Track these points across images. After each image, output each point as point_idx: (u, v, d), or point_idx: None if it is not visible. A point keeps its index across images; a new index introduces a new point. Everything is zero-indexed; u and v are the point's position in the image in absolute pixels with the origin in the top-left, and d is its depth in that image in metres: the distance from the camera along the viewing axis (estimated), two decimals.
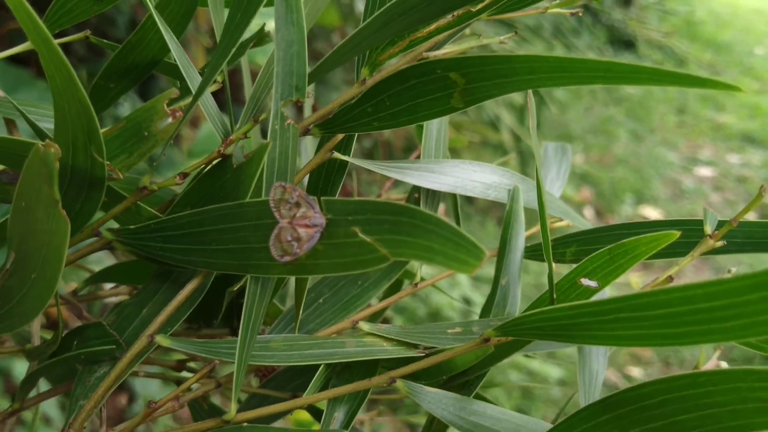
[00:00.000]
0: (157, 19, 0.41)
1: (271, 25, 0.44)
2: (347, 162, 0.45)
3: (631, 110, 4.25)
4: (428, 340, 0.43)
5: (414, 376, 0.41)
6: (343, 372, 0.43)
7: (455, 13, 0.42)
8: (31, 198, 0.33)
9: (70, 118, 0.35)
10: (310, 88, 0.43)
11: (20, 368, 1.39)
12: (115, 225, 0.43)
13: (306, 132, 0.44)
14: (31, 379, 0.45)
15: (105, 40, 0.51)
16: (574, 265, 0.42)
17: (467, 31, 0.47)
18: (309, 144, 0.66)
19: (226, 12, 0.41)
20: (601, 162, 3.62)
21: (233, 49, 0.38)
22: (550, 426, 0.38)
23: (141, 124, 0.44)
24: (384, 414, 0.72)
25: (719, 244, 0.41)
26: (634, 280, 2.45)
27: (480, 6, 0.41)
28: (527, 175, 0.52)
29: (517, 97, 2.68)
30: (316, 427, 0.46)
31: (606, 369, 0.47)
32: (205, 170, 0.43)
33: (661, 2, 5.45)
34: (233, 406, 0.38)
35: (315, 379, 0.41)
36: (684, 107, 4.35)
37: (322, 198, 0.36)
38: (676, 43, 4.71)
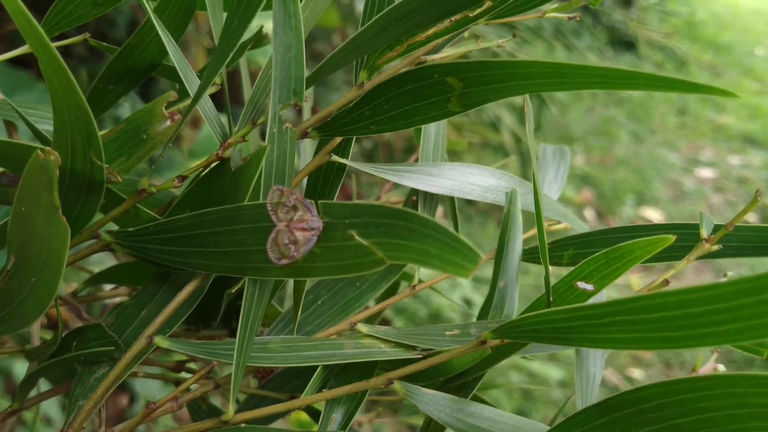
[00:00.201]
0: (155, 22, 0.41)
1: (269, 27, 0.44)
2: (345, 165, 0.45)
3: (632, 111, 4.25)
4: (426, 342, 0.43)
5: (411, 378, 0.41)
6: (341, 373, 0.43)
7: (453, 18, 0.42)
8: (31, 204, 0.33)
9: (69, 122, 0.35)
10: (308, 92, 0.43)
11: (20, 368, 1.39)
12: (115, 227, 0.43)
13: (304, 135, 0.44)
14: (30, 380, 0.45)
15: (104, 43, 0.51)
16: (572, 268, 0.43)
17: (466, 34, 0.47)
18: (307, 147, 0.66)
19: (225, 15, 0.41)
20: (602, 163, 3.62)
21: (231, 54, 0.38)
22: (547, 428, 0.39)
23: (140, 126, 0.44)
24: (383, 415, 0.72)
25: (715, 248, 0.41)
26: (635, 281, 2.45)
27: (478, 11, 0.41)
28: (527, 177, 0.52)
29: (518, 98, 2.68)
30: (315, 428, 0.46)
31: (604, 370, 0.47)
32: (204, 173, 0.43)
33: (662, 3, 5.45)
34: (231, 407, 0.38)
35: (313, 380, 0.41)
36: (685, 108, 4.35)
37: (319, 201, 0.36)
38: (677, 44, 4.71)
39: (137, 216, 0.43)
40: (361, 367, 0.43)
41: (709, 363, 0.46)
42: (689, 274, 2.57)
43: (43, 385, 0.51)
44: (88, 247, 0.42)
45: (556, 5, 0.45)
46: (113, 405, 1.58)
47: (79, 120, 0.35)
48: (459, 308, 2.24)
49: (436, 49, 0.44)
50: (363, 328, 0.45)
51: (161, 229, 0.40)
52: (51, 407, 1.36)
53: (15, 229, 0.36)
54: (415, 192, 0.50)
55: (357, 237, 0.34)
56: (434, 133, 0.52)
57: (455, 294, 2.32)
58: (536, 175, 0.40)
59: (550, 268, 0.42)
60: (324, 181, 0.46)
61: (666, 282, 0.40)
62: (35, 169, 0.32)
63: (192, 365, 0.53)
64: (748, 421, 0.31)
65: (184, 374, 0.53)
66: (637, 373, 2.30)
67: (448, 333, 0.44)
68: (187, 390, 0.42)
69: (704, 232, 0.41)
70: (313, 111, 0.49)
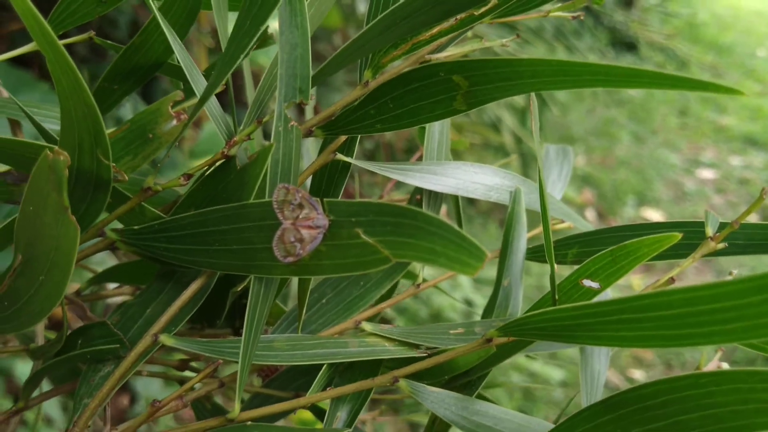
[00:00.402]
0: (160, 21, 0.41)
1: (274, 27, 0.44)
2: (350, 164, 0.45)
3: (633, 112, 4.26)
4: (431, 340, 0.43)
5: (416, 376, 0.41)
6: (345, 372, 0.43)
7: (458, 16, 0.42)
8: (39, 203, 0.33)
9: (77, 121, 0.35)
10: (312, 91, 0.43)
11: (21, 369, 1.40)
12: (120, 226, 0.43)
13: (309, 134, 0.44)
14: (35, 379, 0.45)
15: (109, 41, 0.51)
16: (576, 267, 0.43)
17: (469, 33, 0.47)
18: (311, 146, 0.66)
19: (230, 15, 0.41)
20: (603, 164, 3.62)
21: (242, 56, 0.38)
22: (552, 426, 0.39)
23: (145, 126, 0.44)
24: (386, 414, 0.72)
25: (720, 246, 0.41)
26: (636, 282, 2.45)
27: (482, 10, 0.41)
28: (528, 177, 0.52)
29: (518, 98, 2.69)
30: (320, 426, 0.46)
31: (608, 370, 0.47)
32: (209, 171, 0.43)
33: (663, 4, 5.45)
34: (237, 405, 0.38)
35: (318, 379, 0.41)
36: (686, 109, 4.35)
37: (325, 199, 0.36)
38: (678, 45, 4.71)
39: (142, 215, 0.43)
40: (365, 365, 0.43)
41: (713, 362, 0.46)
42: (690, 274, 2.56)
43: (45, 387, 0.51)
44: (94, 245, 0.42)
45: (559, 5, 0.46)
46: (114, 405, 1.58)
47: (87, 118, 0.35)
48: (460, 308, 2.24)
49: (440, 49, 0.44)
50: (367, 326, 0.45)
51: (166, 227, 0.40)
52: (52, 408, 1.36)
53: (22, 228, 0.36)
54: (419, 191, 0.50)
55: (363, 235, 0.34)
56: (438, 132, 0.52)
57: (456, 294, 2.32)
58: (542, 172, 0.40)
59: (555, 266, 0.42)
60: (329, 180, 0.46)
61: (671, 280, 0.40)
62: (44, 168, 0.32)
63: (195, 364, 0.53)
64: (754, 416, 0.31)
65: (187, 373, 0.53)
66: (639, 374, 2.30)
67: (452, 332, 0.44)
68: (192, 389, 0.42)
69: (710, 230, 0.41)
70: (315, 111, 0.49)
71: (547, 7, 0.45)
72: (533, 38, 3.08)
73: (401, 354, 0.42)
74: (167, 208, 0.45)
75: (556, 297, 0.41)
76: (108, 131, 0.37)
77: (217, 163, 0.43)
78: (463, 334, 0.43)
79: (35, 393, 0.48)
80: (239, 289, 0.45)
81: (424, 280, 0.52)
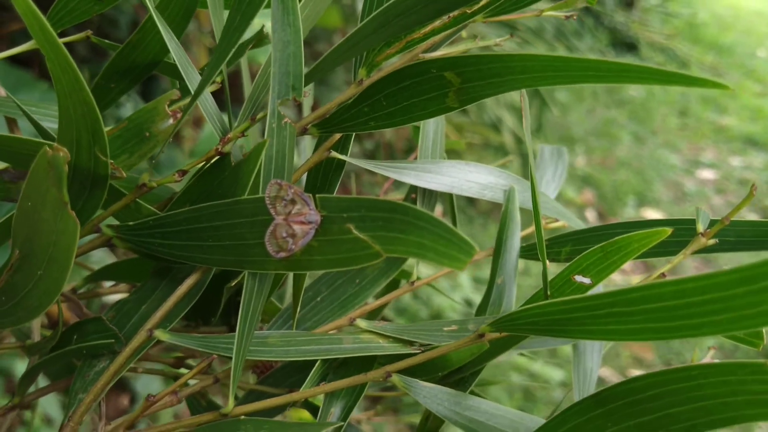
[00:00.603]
0: (156, 19, 0.42)
1: (269, 26, 0.45)
2: (344, 161, 0.45)
3: (633, 112, 4.26)
4: (424, 337, 0.43)
5: (410, 372, 0.41)
6: (339, 368, 0.43)
7: (451, 14, 0.42)
8: (38, 199, 0.34)
9: (75, 119, 0.36)
10: (308, 88, 0.43)
11: (21, 368, 1.40)
12: (116, 222, 0.43)
13: (304, 131, 0.44)
14: (30, 374, 0.45)
15: (106, 41, 0.52)
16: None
17: (464, 33, 0.47)
18: (307, 144, 0.67)
19: (226, 13, 0.42)
20: (603, 164, 3.62)
21: (232, 51, 0.39)
22: (543, 421, 0.39)
23: (142, 125, 0.44)
24: (384, 414, 0.72)
25: (711, 242, 0.41)
26: (636, 281, 2.44)
27: (475, 8, 0.42)
28: (528, 176, 0.52)
29: (518, 98, 2.69)
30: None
31: (606, 371, 0.48)
32: (204, 168, 0.43)
33: (664, 5, 5.45)
34: (231, 399, 0.39)
35: (312, 375, 0.41)
36: (686, 110, 4.35)
37: (317, 195, 0.36)
38: (679, 46, 4.71)
39: (138, 211, 0.44)
40: (359, 362, 0.43)
41: (706, 359, 0.46)
42: (690, 272, 2.56)
43: (42, 384, 0.51)
44: (90, 242, 0.43)
45: (553, 4, 0.46)
46: (114, 405, 1.58)
47: (85, 116, 0.35)
48: (460, 309, 2.25)
49: (434, 47, 0.45)
50: (362, 323, 0.46)
51: (161, 223, 0.40)
52: (52, 407, 1.36)
53: (20, 223, 0.36)
54: (414, 190, 0.51)
55: (354, 230, 0.35)
56: (433, 131, 0.52)
57: (456, 295, 2.32)
58: (533, 170, 0.41)
59: (548, 264, 0.43)
60: (323, 178, 0.46)
61: (663, 276, 0.41)
62: (43, 164, 0.32)
63: (192, 362, 0.54)
64: (743, 408, 0.31)
65: (183, 371, 0.53)
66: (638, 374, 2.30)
67: (446, 329, 0.44)
68: (186, 384, 0.42)
69: (700, 227, 0.41)
70: (314, 110, 0.49)
71: (542, 6, 0.45)
72: (534, 38, 3.08)
73: (395, 350, 0.42)
74: (163, 204, 0.45)
75: (549, 293, 0.41)
76: (106, 129, 0.37)
77: (212, 160, 0.43)
78: (457, 331, 0.43)
79: (31, 389, 0.48)
80: (233, 284, 0.45)
81: (419, 278, 0.52)
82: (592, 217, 3.15)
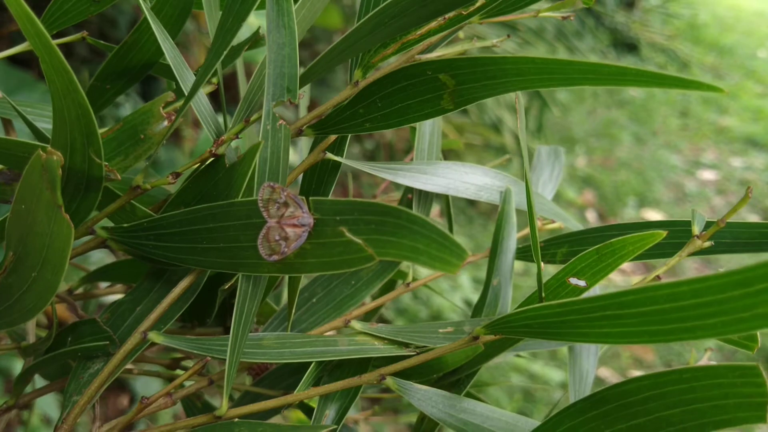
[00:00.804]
0: (151, 20, 0.42)
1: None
2: (340, 163, 0.45)
3: (634, 113, 4.26)
4: (419, 339, 0.43)
5: (405, 375, 0.41)
6: (334, 371, 0.43)
7: (447, 16, 0.42)
8: (32, 201, 0.34)
9: (69, 121, 0.36)
10: (303, 90, 0.43)
11: (20, 368, 1.40)
12: (110, 224, 0.43)
13: (299, 133, 0.44)
14: (26, 375, 0.45)
15: (102, 42, 0.52)
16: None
17: (461, 34, 0.47)
18: (304, 146, 0.67)
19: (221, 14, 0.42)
20: (604, 165, 3.62)
21: (225, 52, 0.39)
22: (539, 424, 0.39)
23: (137, 127, 0.44)
24: (381, 414, 0.72)
25: (707, 244, 0.41)
26: (635, 283, 2.44)
27: (470, 9, 0.41)
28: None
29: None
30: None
31: (606, 372, 0.48)
32: (198, 170, 0.43)
33: (665, 5, 5.45)
34: (225, 401, 0.38)
35: (306, 376, 0.41)
36: (687, 110, 4.35)
37: (310, 198, 0.36)
38: (679, 46, 4.71)
39: (133, 213, 0.44)
40: (354, 364, 0.43)
41: (703, 361, 0.46)
42: (689, 274, 2.56)
43: (39, 385, 0.51)
44: (84, 243, 0.43)
45: (551, 5, 0.46)
46: (114, 405, 1.58)
47: (80, 118, 0.35)
48: (460, 310, 2.25)
49: (431, 49, 0.45)
50: (357, 325, 0.46)
51: (155, 225, 0.40)
52: (50, 407, 1.36)
53: (14, 226, 0.36)
54: (410, 191, 0.51)
55: (347, 233, 0.35)
56: (429, 132, 0.52)
57: (456, 295, 2.32)
58: (528, 171, 0.41)
59: (543, 265, 0.43)
60: (318, 179, 0.46)
61: (658, 278, 0.41)
62: (37, 167, 0.32)
63: (188, 363, 0.54)
64: (734, 411, 0.32)
65: (179, 372, 0.53)
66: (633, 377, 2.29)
67: (441, 331, 0.44)
68: (182, 386, 0.42)
69: (696, 229, 0.41)
70: (312, 110, 0.49)
71: (537, 6, 0.45)
72: (534, 39, 3.08)
73: (390, 352, 0.42)
74: (158, 206, 0.45)
75: (543, 295, 0.41)
76: (100, 131, 0.37)
77: (207, 162, 0.43)
78: (452, 333, 0.43)
79: (28, 389, 0.48)
80: (227, 286, 0.45)
81: (415, 279, 0.52)
82: (592, 218, 3.15)
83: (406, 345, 0.43)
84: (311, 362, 0.43)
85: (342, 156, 0.45)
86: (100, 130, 0.39)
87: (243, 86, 0.52)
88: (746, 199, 0.39)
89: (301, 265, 0.37)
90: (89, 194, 0.39)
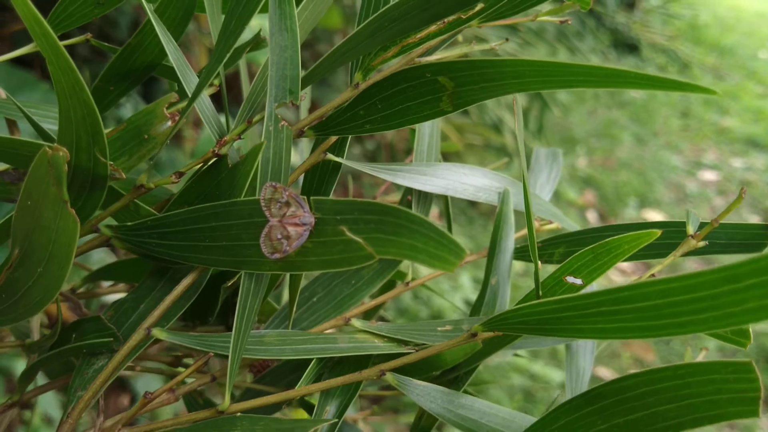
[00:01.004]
0: (154, 22, 0.42)
1: (267, 30, 0.45)
2: (341, 164, 0.46)
3: (635, 114, 4.26)
4: (418, 337, 0.44)
5: (404, 372, 0.42)
6: (335, 368, 0.44)
7: (446, 19, 0.43)
8: (38, 197, 0.34)
9: (75, 120, 0.36)
10: (305, 91, 0.44)
11: (21, 368, 1.40)
12: (114, 223, 0.44)
13: (300, 134, 0.45)
14: (30, 372, 0.46)
15: (105, 43, 0.52)
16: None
17: (460, 37, 0.48)
18: (305, 147, 0.67)
19: (224, 17, 0.42)
20: (605, 165, 3.63)
21: (228, 54, 0.39)
22: (535, 420, 0.39)
23: (141, 127, 0.45)
24: (380, 413, 0.73)
25: (701, 244, 0.42)
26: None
27: (470, 13, 0.42)
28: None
29: (519, 99, 2.69)
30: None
31: (606, 372, 0.48)
32: (202, 170, 0.44)
33: (665, 6, 5.45)
34: (227, 396, 0.39)
35: (307, 373, 0.42)
36: (688, 111, 4.35)
37: (311, 197, 0.37)
38: (680, 47, 4.72)
39: (137, 212, 0.44)
40: (354, 361, 0.44)
41: (699, 359, 0.47)
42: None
43: (42, 383, 0.51)
44: (88, 242, 0.43)
45: (550, 8, 0.46)
46: (114, 405, 1.59)
47: (85, 118, 0.36)
48: (460, 310, 2.25)
49: (430, 52, 0.45)
50: (357, 323, 0.46)
51: (159, 224, 0.41)
52: (51, 407, 1.37)
53: (21, 222, 0.37)
54: (410, 192, 0.51)
55: (347, 232, 0.35)
56: (428, 134, 0.53)
57: (457, 296, 2.33)
58: (525, 172, 0.41)
59: (541, 265, 0.43)
60: (319, 180, 0.47)
61: (653, 277, 0.41)
62: (43, 163, 0.33)
63: (189, 361, 0.54)
64: (727, 406, 0.32)
65: (181, 369, 0.54)
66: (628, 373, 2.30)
67: (440, 329, 0.44)
68: (184, 383, 0.43)
69: (691, 229, 0.42)
70: (313, 111, 0.49)
71: (536, 10, 0.45)
72: (535, 40, 3.09)
73: (389, 350, 0.43)
74: (161, 206, 0.46)
75: (540, 293, 0.42)
76: (105, 131, 0.38)
77: (210, 162, 0.43)
78: (451, 331, 0.44)
79: (30, 387, 0.49)
80: (230, 284, 0.46)
81: (414, 279, 0.52)
82: (593, 218, 3.15)
83: (406, 343, 0.44)
84: (312, 360, 0.43)
85: (343, 157, 0.46)
86: (105, 131, 0.40)
87: (246, 88, 0.53)
88: (740, 199, 0.39)
89: (303, 264, 0.38)
90: (94, 192, 0.40)
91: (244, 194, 0.41)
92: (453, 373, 0.46)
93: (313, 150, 0.47)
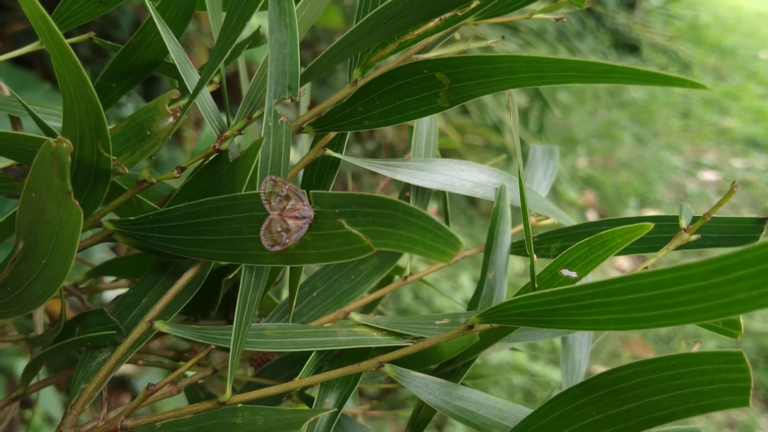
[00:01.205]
0: (156, 20, 0.43)
1: (267, 27, 0.46)
2: (339, 159, 0.46)
3: (635, 114, 4.26)
4: (416, 330, 0.44)
5: (403, 364, 0.42)
6: (334, 361, 0.45)
7: (443, 17, 0.43)
8: (42, 189, 0.35)
9: (79, 115, 0.37)
10: (304, 88, 0.45)
11: (22, 366, 1.41)
12: (117, 218, 0.45)
13: (300, 130, 0.45)
14: (34, 365, 0.47)
15: (108, 42, 0.53)
16: None
17: (457, 35, 0.48)
18: (305, 143, 0.68)
19: (224, 15, 0.43)
20: (605, 165, 3.63)
21: (229, 51, 0.40)
22: (531, 411, 0.40)
23: (143, 123, 0.46)
24: (378, 409, 0.74)
25: (694, 237, 0.42)
26: None
27: (466, 10, 0.43)
28: (527, 176, 0.53)
29: (520, 100, 2.70)
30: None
31: (601, 367, 0.49)
32: (203, 165, 0.45)
33: (666, 6, 5.46)
34: (229, 388, 0.40)
35: (307, 365, 0.43)
36: (688, 111, 4.35)
37: (310, 191, 0.38)
38: (681, 47, 4.72)
39: (140, 208, 0.45)
40: (353, 354, 0.45)
41: (695, 349, 0.47)
42: None
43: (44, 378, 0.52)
44: (92, 236, 0.44)
45: (545, 6, 0.47)
46: (116, 403, 1.59)
47: (89, 113, 0.37)
48: (461, 309, 2.25)
49: (427, 49, 0.46)
50: (356, 317, 0.47)
51: (160, 218, 0.41)
52: (53, 406, 1.38)
53: (24, 214, 0.37)
54: (408, 189, 0.52)
55: (346, 225, 0.36)
56: (426, 131, 0.54)
57: (458, 296, 2.33)
58: (521, 167, 0.42)
59: (536, 259, 0.44)
60: (319, 175, 0.47)
61: (646, 270, 0.42)
62: (47, 155, 0.34)
63: (191, 356, 0.55)
64: (719, 396, 0.33)
65: (183, 363, 0.54)
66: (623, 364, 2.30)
67: (438, 322, 0.45)
68: (185, 375, 0.44)
69: (683, 222, 0.42)
70: (311, 109, 0.50)
71: (532, 7, 0.46)
72: (535, 40, 3.09)
73: (388, 343, 0.43)
74: (163, 201, 0.47)
75: (536, 286, 0.42)
76: (108, 127, 0.38)
77: (211, 158, 0.44)
78: (449, 324, 0.45)
79: (33, 381, 0.49)
80: (231, 276, 0.47)
81: (411, 273, 0.53)
82: (593, 218, 3.15)
83: (404, 336, 0.44)
84: (311, 353, 0.44)
85: (341, 153, 0.47)
86: (108, 128, 0.40)
87: (245, 84, 0.54)
88: (731, 193, 0.40)
89: (302, 256, 0.38)
90: (97, 187, 0.40)
91: (245, 189, 0.41)
92: (451, 366, 0.46)
93: (312, 146, 0.48)
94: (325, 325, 0.48)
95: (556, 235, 0.51)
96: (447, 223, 0.54)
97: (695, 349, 0.47)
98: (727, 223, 0.44)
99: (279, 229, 0.38)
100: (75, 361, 0.44)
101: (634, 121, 4.18)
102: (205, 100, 0.44)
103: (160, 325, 0.41)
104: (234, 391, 0.41)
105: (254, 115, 0.43)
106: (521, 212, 0.43)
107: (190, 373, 0.45)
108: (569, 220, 0.54)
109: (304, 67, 0.45)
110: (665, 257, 0.44)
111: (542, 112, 2.89)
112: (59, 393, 1.41)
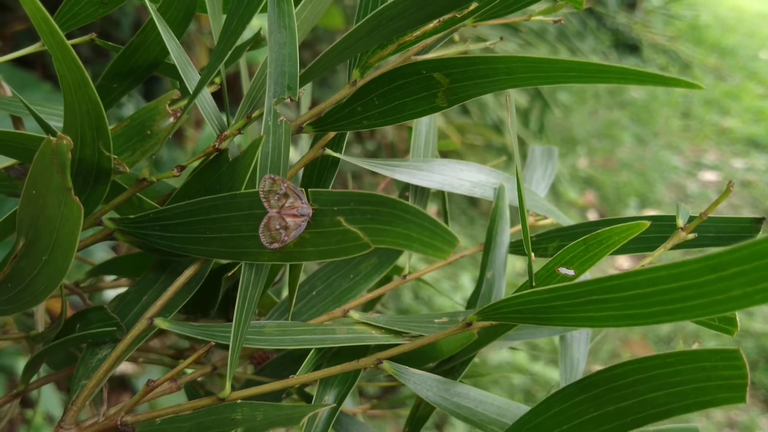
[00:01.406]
0: (157, 21, 0.43)
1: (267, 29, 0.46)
2: (339, 158, 0.47)
3: (636, 114, 4.26)
4: (415, 328, 0.45)
5: (401, 362, 0.43)
6: (333, 358, 0.45)
7: (442, 18, 0.44)
8: (43, 186, 0.35)
9: (80, 115, 0.37)
10: (303, 88, 0.45)
11: (23, 365, 1.41)
12: (117, 216, 0.45)
13: (299, 130, 0.46)
14: (34, 362, 0.47)
15: (109, 42, 0.53)
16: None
17: (455, 36, 0.49)
18: (305, 144, 0.68)
19: (224, 17, 0.43)
20: (606, 166, 3.63)
21: (229, 53, 0.40)
22: (529, 408, 0.40)
23: (144, 123, 0.46)
24: (377, 407, 0.74)
25: (691, 236, 0.43)
26: None
27: (465, 12, 0.43)
28: (527, 177, 0.54)
29: (520, 100, 2.70)
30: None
31: (593, 366, 0.49)
32: (203, 164, 0.45)
33: (666, 6, 5.46)
34: (228, 384, 0.40)
35: (306, 362, 0.43)
36: (688, 111, 4.35)
37: (309, 189, 0.38)
38: (681, 47, 4.72)
39: (140, 206, 0.45)
40: (352, 351, 0.45)
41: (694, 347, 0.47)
42: None
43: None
44: (92, 235, 0.44)
45: (545, 7, 0.47)
46: (116, 402, 1.60)
47: (90, 113, 0.37)
48: (461, 308, 2.26)
49: (426, 50, 0.46)
50: (355, 315, 0.47)
51: (161, 217, 0.42)
52: (53, 405, 1.38)
53: (25, 211, 0.38)
54: (407, 189, 0.52)
55: (344, 223, 0.36)
56: (425, 131, 0.54)
57: (458, 296, 2.34)
58: (519, 167, 0.42)
59: (534, 257, 0.44)
60: (318, 175, 0.48)
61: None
62: (47, 152, 0.34)
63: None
64: (716, 392, 0.33)
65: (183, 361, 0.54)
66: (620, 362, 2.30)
67: (437, 321, 0.45)
68: (184, 372, 0.44)
69: (680, 222, 0.43)
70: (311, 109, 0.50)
71: (531, 9, 0.46)
72: (536, 40, 3.09)
73: (386, 340, 0.44)
74: (163, 200, 0.47)
75: (534, 284, 0.42)
76: (109, 127, 0.39)
77: (211, 157, 0.44)
78: (447, 323, 0.45)
79: (34, 378, 0.49)
80: (230, 274, 0.47)
81: (410, 272, 0.53)
82: (593, 219, 3.15)
83: (403, 334, 0.44)
84: (311, 350, 0.44)
85: (341, 152, 0.47)
86: (109, 127, 0.41)
87: (246, 84, 0.54)
88: (728, 192, 0.40)
89: (301, 254, 0.39)
90: (98, 186, 0.41)
91: (244, 187, 0.42)
92: (449, 364, 0.47)
93: (311, 146, 0.48)
94: (325, 323, 0.48)
95: (554, 234, 0.51)
96: (446, 222, 0.55)
97: (694, 348, 0.47)
98: (725, 223, 0.44)
99: (278, 227, 0.38)
100: (75, 359, 0.45)
101: (635, 121, 4.18)
102: (205, 100, 0.44)
103: (160, 322, 0.42)
104: (233, 389, 0.41)
105: (254, 115, 0.43)
106: (519, 210, 0.43)
107: (189, 371, 0.45)
108: (567, 219, 0.54)
109: (304, 68, 0.45)
110: (665, 256, 0.44)
111: (543, 112, 2.89)
112: (60, 392, 1.41)
